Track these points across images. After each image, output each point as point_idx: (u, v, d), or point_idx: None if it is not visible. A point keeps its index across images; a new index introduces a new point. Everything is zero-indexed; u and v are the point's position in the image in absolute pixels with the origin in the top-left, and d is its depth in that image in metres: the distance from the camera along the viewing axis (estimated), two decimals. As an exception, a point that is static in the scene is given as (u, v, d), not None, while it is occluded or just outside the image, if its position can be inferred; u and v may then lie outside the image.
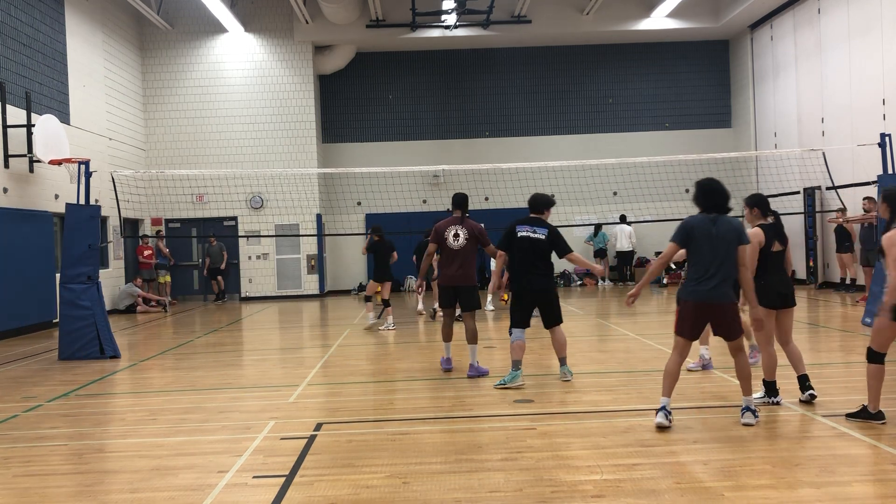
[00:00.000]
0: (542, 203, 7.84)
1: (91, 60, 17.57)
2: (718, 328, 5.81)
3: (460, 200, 8.58)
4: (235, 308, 18.74)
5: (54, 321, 14.36)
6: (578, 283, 22.37)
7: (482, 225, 8.57)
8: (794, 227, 19.30)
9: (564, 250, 7.66)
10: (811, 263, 18.54)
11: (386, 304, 12.97)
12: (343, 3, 18.99)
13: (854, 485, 4.40)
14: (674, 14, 21.05)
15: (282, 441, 5.77)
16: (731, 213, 5.98)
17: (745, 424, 5.64)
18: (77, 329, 10.48)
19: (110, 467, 5.42)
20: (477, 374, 8.07)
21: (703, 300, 5.65)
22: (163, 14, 20.03)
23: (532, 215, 7.83)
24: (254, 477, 4.92)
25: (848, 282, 16.39)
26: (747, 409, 5.73)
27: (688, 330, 5.79)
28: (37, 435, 6.27)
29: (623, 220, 20.46)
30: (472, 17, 20.56)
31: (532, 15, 20.93)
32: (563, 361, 7.74)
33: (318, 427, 6.14)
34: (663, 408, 5.70)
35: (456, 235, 8.37)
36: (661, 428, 5.62)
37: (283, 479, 4.82)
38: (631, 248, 20.70)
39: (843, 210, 15.36)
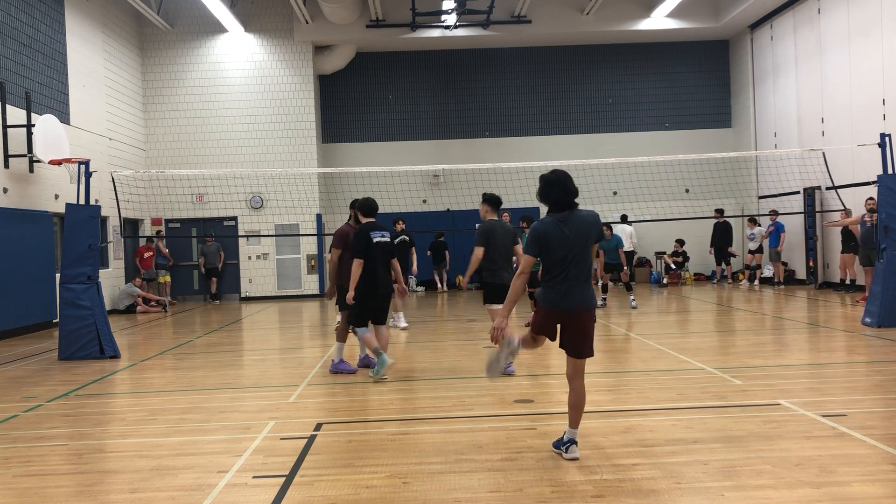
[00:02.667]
0: (377, 208, 8.37)
1: (91, 60, 17.58)
2: (573, 339, 5.00)
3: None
4: (235, 308, 18.75)
5: (54, 321, 14.36)
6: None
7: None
8: (794, 227, 19.33)
9: (394, 254, 8.29)
10: (811, 263, 18.55)
11: None
12: (343, 3, 18.99)
13: (854, 485, 4.40)
14: (674, 14, 21.06)
15: (282, 441, 5.76)
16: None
17: (571, 459, 4.96)
18: (77, 329, 10.47)
19: (110, 467, 5.42)
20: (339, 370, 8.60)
21: (559, 307, 4.94)
22: (163, 14, 20.03)
23: (373, 220, 8.22)
24: (254, 477, 4.92)
25: (847, 282, 16.40)
26: (573, 441, 5.02)
27: (541, 328, 5.09)
28: (37, 435, 6.27)
29: (624, 219, 20.47)
30: (472, 17, 20.56)
31: (532, 15, 20.94)
32: (379, 352, 8.11)
33: (318, 427, 6.14)
34: (573, 440, 5.05)
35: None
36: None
37: (283, 479, 4.82)
38: (632, 249, 20.72)
39: (846, 211, 15.35)
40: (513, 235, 8.59)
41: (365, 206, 8.30)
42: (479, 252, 8.32)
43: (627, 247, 20.60)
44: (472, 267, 8.47)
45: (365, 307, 8.11)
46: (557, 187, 4.97)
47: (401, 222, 13.38)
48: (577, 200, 5.04)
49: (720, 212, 20.17)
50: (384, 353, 8.06)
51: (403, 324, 12.66)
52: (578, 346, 5.01)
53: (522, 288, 5.04)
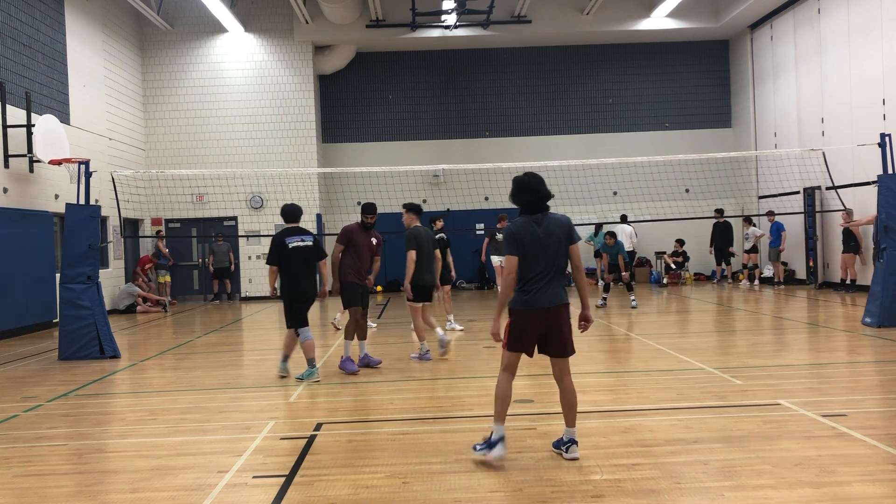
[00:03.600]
0: (299, 213, 8.44)
1: (91, 60, 17.57)
2: (548, 338, 5.03)
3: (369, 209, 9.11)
4: (235, 308, 18.74)
5: (54, 321, 14.36)
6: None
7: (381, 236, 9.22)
8: (794, 227, 19.33)
9: (319, 257, 8.42)
10: (811, 263, 18.55)
11: None
12: (343, 3, 18.99)
13: (854, 485, 4.40)
14: (674, 14, 21.05)
15: (282, 441, 5.77)
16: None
17: (572, 459, 4.99)
18: (77, 329, 10.47)
19: (110, 467, 5.42)
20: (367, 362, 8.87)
21: (536, 307, 4.96)
22: (163, 14, 20.03)
23: (294, 224, 8.39)
24: (254, 477, 4.92)
25: (848, 282, 16.40)
26: (573, 441, 5.05)
27: (519, 343, 5.03)
28: (37, 435, 6.27)
29: (624, 220, 20.45)
30: (472, 17, 20.56)
31: (532, 15, 20.93)
32: (311, 363, 8.28)
33: (318, 427, 6.14)
34: (502, 438, 5.00)
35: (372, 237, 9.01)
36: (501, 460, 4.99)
37: (283, 479, 4.82)
38: (632, 248, 20.71)
39: (847, 211, 15.34)
40: (435, 241, 9.59)
41: (284, 212, 8.42)
42: (412, 255, 9.11)
43: (627, 247, 20.56)
44: (409, 271, 9.14)
45: (293, 310, 8.26)
46: (529, 190, 5.07)
47: (439, 221, 13.16)
48: (549, 203, 5.12)
49: (720, 212, 20.16)
50: (315, 366, 8.29)
51: (444, 331, 12.17)
52: (561, 345, 5.03)
53: (511, 286, 5.01)
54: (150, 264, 19.09)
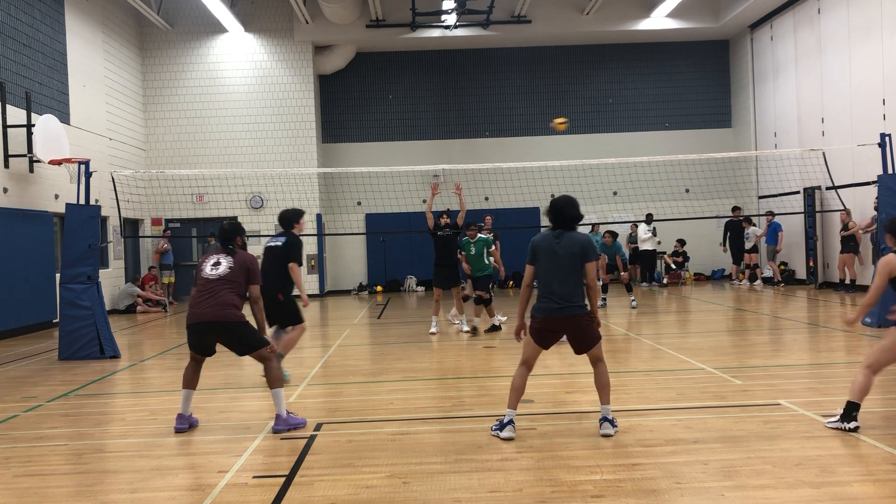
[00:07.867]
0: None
1: (91, 60, 17.57)
2: (573, 341, 5.69)
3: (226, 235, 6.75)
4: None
5: (54, 321, 14.35)
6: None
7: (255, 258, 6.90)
8: (794, 227, 19.33)
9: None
10: (811, 263, 18.54)
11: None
12: (343, 3, 18.99)
13: (854, 485, 4.41)
14: (674, 14, 21.04)
15: (282, 441, 5.77)
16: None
17: (604, 435, 5.50)
18: (77, 329, 10.47)
19: (110, 467, 5.42)
20: (287, 426, 6.02)
21: (552, 315, 5.51)
22: (163, 14, 20.02)
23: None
24: (254, 477, 4.92)
25: (847, 282, 16.40)
26: (605, 419, 5.58)
27: (533, 342, 5.64)
28: (37, 435, 6.27)
29: (649, 219, 20.18)
30: (472, 17, 20.55)
31: (532, 15, 20.93)
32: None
33: (318, 427, 6.14)
34: (511, 421, 5.58)
35: (216, 264, 6.70)
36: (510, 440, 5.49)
37: (283, 479, 4.82)
38: (649, 248, 20.49)
39: (846, 211, 15.33)
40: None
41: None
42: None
43: (650, 246, 20.42)
44: None
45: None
46: (554, 210, 5.66)
47: (443, 216, 13.34)
48: (579, 225, 5.73)
49: (737, 209, 20.08)
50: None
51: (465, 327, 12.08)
52: (581, 341, 5.63)
53: (525, 292, 5.73)
54: (153, 281, 19.03)
